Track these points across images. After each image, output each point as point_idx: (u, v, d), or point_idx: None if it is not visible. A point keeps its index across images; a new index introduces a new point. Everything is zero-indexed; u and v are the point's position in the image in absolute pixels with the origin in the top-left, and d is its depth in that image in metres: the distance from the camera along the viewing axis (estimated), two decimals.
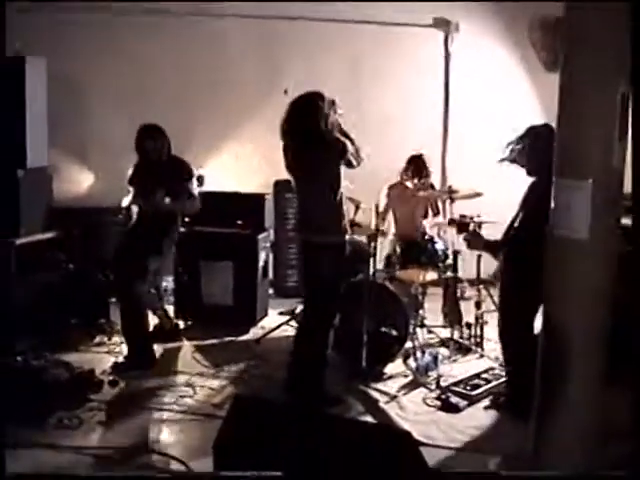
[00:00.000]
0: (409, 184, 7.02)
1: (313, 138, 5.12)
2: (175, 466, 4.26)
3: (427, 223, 7.10)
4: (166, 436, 4.76)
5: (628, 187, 3.43)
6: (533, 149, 5.07)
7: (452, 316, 6.63)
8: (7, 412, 4.75)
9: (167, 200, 5.97)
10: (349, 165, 5.21)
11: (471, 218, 5.98)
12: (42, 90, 6.33)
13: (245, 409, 3.17)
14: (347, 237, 6.27)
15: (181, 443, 4.63)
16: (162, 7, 8.32)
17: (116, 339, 6.49)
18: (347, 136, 5.22)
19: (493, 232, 5.42)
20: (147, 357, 5.97)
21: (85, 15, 8.18)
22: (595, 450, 3.44)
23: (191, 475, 4.12)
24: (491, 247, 5.29)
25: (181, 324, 7.07)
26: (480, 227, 6.08)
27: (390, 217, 7.18)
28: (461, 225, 5.62)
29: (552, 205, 3.34)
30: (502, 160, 5.27)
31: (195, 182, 6.19)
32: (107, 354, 6.22)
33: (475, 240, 5.34)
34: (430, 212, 7.15)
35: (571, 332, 3.29)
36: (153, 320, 6.51)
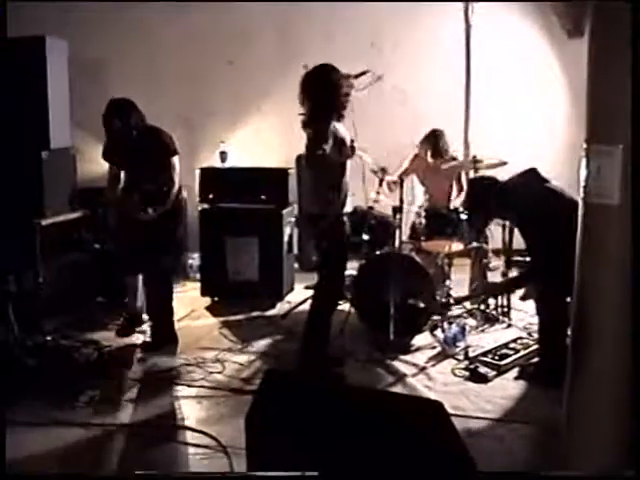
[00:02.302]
0: (429, 158, 7.04)
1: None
2: (206, 441, 4.29)
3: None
4: (197, 412, 4.79)
5: None
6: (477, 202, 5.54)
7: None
8: (39, 391, 4.87)
9: (150, 211, 5.73)
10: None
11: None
12: (63, 71, 6.34)
13: (277, 383, 3.17)
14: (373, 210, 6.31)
15: (212, 418, 4.66)
16: None
17: (145, 316, 6.53)
18: None
19: None
20: (171, 334, 6.01)
21: None
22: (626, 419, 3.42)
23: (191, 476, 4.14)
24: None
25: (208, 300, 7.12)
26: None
27: (413, 185, 7.24)
28: None
29: (583, 173, 3.32)
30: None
31: (176, 161, 5.91)
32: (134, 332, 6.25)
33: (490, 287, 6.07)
34: (455, 188, 7.12)
35: (603, 298, 3.27)
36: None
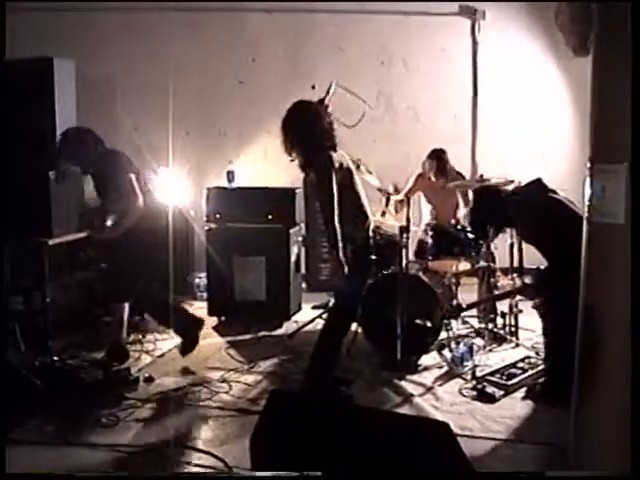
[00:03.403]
0: (432, 177, 7.10)
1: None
2: (212, 461, 4.27)
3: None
4: (203, 432, 4.77)
5: None
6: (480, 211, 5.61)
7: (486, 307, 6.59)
8: (46, 412, 4.88)
9: (108, 223, 5.69)
10: None
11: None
12: (71, 91, 6.37)
13: (281, 404, 3.16)
14: (379, 230, 6.30)
15: (218, 439, 4.63)
16: (190, 5, 8.33)
17: (150, 337, 6.52)
18: None
19: None
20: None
21: (114, 15, 8.23)
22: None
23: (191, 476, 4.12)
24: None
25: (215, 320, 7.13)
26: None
27: (417, 203, 7.27)
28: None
29: (588, 191, 3.32)
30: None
31: (128, 181, 5.67)
32: (142, 352, 6.23)
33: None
34: (462, 205, 7.12)
35: (610, 317, 3.26)
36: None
